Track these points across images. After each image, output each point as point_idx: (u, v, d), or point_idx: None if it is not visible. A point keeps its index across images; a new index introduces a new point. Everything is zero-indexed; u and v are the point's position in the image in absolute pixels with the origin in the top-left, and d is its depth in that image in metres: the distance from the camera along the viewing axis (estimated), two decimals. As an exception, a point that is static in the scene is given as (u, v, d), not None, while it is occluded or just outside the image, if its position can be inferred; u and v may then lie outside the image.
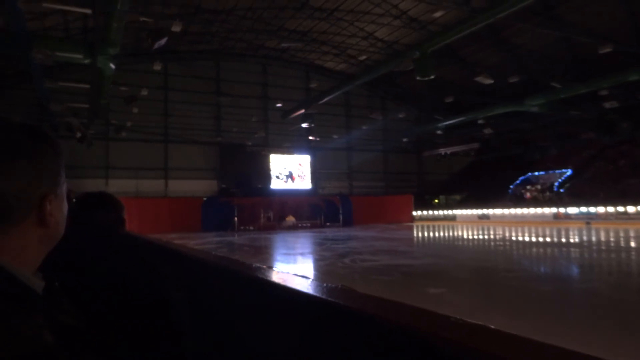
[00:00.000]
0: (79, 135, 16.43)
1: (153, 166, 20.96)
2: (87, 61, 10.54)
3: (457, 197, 25.76)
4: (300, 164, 23.86)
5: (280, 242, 14.78)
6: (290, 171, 23.58)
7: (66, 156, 0.53)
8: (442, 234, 16.78)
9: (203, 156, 21.98)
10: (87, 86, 14.31)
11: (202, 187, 21.46)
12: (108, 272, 0.91)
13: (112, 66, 10.87)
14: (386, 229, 18.32)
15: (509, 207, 21.42)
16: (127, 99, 16.10)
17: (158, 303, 0.90)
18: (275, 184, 23.04)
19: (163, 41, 10.11)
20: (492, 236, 14.27)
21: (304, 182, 23.84)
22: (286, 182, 23.37)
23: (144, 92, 16.83)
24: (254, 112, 22.99)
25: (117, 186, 18.99)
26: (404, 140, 25.63)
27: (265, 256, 9.74)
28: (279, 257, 9.57)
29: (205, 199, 19.87)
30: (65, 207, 0.51)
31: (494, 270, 6.70)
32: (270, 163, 23.07)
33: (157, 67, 14.48)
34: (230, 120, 22.50)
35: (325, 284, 0.71)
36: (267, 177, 22.91)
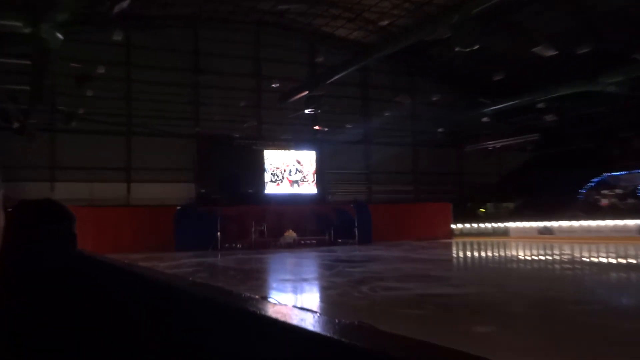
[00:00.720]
0: (16, 125, 16.58)
1: (112, 165, 21.07)
2: (27, 30, 10.59)
3: (510, 205, 25.58)
4: (302, 163, 23.96)
5: (278, 264, 14.79)
6: (290, 171, 23.76)
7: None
8: (490, 253, 16.71)
9: (177, 152, 22.05)
10: (28, 62, 14.42)
11: (175, 192, 21.53)
12: (53, 302, 0.90)
13: (60, 37, 10.92)
14: (416, 248, 18.28)
15: (578, 218, 21.18)
16: (78, 78, 16.23)
17: (118, 343, 0.89)
18: (271, 189, 23.08)
19: (125, 3, 10.17)
20: (556, 257, 14.18)
21: (307, 186, 23.89)
22: (284, 185, 23.57)
23: (101, 70, 16.91)
24: (243, 95, 22.98)
25: (65, 191, 19.09)
26: (439, 130, 25.59)
27: (257, 283, 9.78)
28: (275, 285, 9.58)
29: (179, 208, 19.97)
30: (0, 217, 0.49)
31: (561, 302, 6.67)
32: (265, 161, 23.14)
33: (118, 37, 14.55)
34: (212, 105, 22.50)
35: (337, 320, 0.71)
36: (260, 180, 22.96)
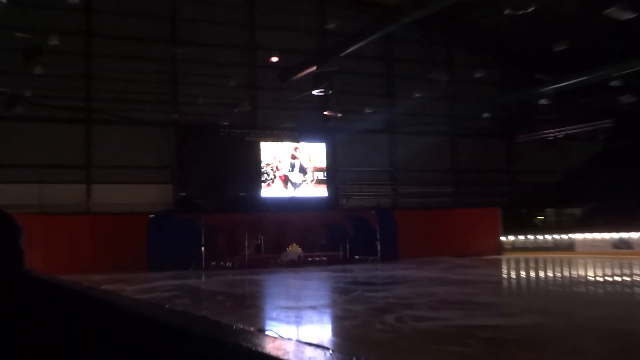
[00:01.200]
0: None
1: (68, 162, 21.17)
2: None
3: (576, 211, 25.46)
4: (309, 158, 24.03)
5: (278, 287, 14.82)
6: (294, 167, 23.79)
7: None
8: (550, 273, 16.61)
9: (150, 145, 22.19)
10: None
11: (147, 196, 21.63)
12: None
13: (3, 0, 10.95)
14: (455, 266, 18.25)
15: (665, 228, 21.34)
16: (25, 52, 16.26)
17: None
18: (269, 191, 23.18)
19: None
20: (637, 278, 14.09)
21: (316, 187, 23.98)
22: (287, 187, 23.59)
23: (54, 42, 16.97)
24: (234, 72, 23.01)
25: (8, 195, 19.09)
26: (485, 116, 25.51)
27: (252, 311, 9.79)
28: (275, 314, 9.59)
29: (152, 216, 20.08)
30: None
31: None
32: (261, 156, 23.24)
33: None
34: (194, 86, 22.63)
35: (354, 359, 0.68)
36: (256, 180, 23.07)
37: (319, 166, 24.19)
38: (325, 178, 24.23)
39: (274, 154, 23.62)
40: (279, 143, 23.70)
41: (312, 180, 23.99)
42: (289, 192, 23.57)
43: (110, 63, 21.74)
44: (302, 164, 23.99)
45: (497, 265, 20.30)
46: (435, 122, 26.25)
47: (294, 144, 23.99)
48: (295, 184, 23.80)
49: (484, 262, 20.77)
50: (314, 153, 24.21)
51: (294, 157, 23.90)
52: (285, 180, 23.62)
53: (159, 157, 22.41)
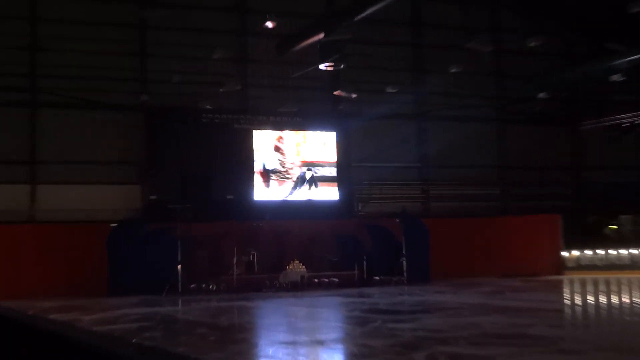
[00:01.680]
0: None
1: (5, 157, 21.30)
2: None
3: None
4: (315, 150, 24.01)
5: (276, 316, 14.79)
6: (294, 164, 23.73)
7: None
8: (627, 299, 16.49)
9: (111, 135, 22.27)
10: None
11: (109, 200, 21.70)
12: None
13: None
14: (503, 289, 18.23)
15: None
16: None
17: None
18: (264, 194, 23.25)
19: None
20: None
21: (324, 188, 23.98)
22: (289, 188, 23.63)
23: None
24: (218, 41, 23.12)
25: None
26: (540, 97, 25.43)
27: (242, 348, 9.77)
28: (271, 351, 9.55)
29: (114, 225, 20.16)
30: None
31: None
32: (253, 148, 23.28)
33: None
34: (167, 59, 22.82)
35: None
36: (247, 179, 23.14)
37: (326, 160, 24.15)
38: (335, 176, 24.15)
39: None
40: (279, 133, 23.70)
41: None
42: (292, 194, 23.59)
43: (61, 31, 21.84)
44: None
45: (558, 288, 20.20)
46: (477, 105, 26.22)
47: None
48: (271, 176, 23.68)
49: (540, 284, 20.72)
50: (323, 145, 24.26)
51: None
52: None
53: (123, 150, 22.44)
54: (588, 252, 24.68)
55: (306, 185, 23.77)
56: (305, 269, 20.59)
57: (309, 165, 23.84)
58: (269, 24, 21.84)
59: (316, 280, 20.37)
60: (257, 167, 23.25)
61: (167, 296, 18.07)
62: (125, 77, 22.76)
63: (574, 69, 25.80)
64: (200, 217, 20.74)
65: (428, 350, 8.51)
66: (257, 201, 22.95)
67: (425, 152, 26.28)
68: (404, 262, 21.26)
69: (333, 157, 24.12)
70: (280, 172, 23.63)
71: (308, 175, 23.72)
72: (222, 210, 21.74)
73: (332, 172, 24.02)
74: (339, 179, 24.19)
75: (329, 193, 23.95)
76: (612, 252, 24.51)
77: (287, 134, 23.96)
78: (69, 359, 1.22)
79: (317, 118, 24.44)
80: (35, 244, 19.06)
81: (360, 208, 24.61)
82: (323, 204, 23.62)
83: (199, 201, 21.55)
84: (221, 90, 22.30)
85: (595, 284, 20.77)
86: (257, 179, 23.19)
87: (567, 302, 17.01)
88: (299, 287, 19.76)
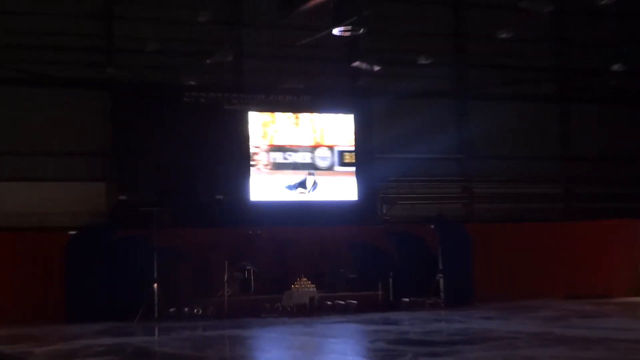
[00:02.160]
0: None
1: None
2: None
3: None
4: (329, 136, 24.09)
5: (278, 349, 14.78)
6: (302, 156, 23.79)
7: None
8: None
9: (69, 119, 22.42)
10: None
11: (67, 201, 21.86)
12: None
13: None
14: (568, 314, 18.24)
15: None
16: None
17: None
18: (262, 193, 23.29)
19: None
20: None
21: (338, 187, 24.03)
22: (293, 188, 23.75)
23: None
24: (203, -1, 23.72)
25: None
26: (615, 69, 25.31)
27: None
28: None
29: (74, 233, 20.13)
30: None
31: None
32: (250, 135, 23.23)
33: None
34: (140, 21, 22.98)
35: None
36: (241, 175, 23.10)
37: (341, 147, 24.18)
38: (352, 170, 24.16)
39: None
40: (282, 116, 23.71)
41: (336, 176, 24.07)
42: (297, 194, 23.63)
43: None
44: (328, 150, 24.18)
45: (638, 312, 20.12)
46: (534, 80, 26.33)
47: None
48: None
49: (615, 307, 20.45)
50: (338, 132, 24.30)
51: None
52: (315, 182, 23.83)
53: (84, 137, 22.64)
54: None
55: (308, 192, 23.87)
56: (315, 289, 20.45)
57: (322, 157, 23.90)
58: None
59: (329, 302, 20.18)
60: (255, 159, 23.42)
61: (140, 323, 17.96)
62: (87, 45, 22.85)
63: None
64: (182, 222, 21.03)
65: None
66: (254, 202, 23.04)
67: (468, 139, 26.34)
68: (441, 280, 21.17)
69: (350, 146, 24.21)
70: (283, 164, 23.77)
71: (310, 182, 23.82)
72: (209, 213, 21.97)
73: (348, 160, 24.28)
74: (358, 174, 24.26)
75: (345, 191, 24.10)
76: None
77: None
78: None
79: (330, 97, 24.46)
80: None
81: (385, 211, 24.65)
82: (338, 206, 23.74)
83: (180, 202, 21.78)
84: (208, 61, 22.21)
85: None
86: (255, 175, 23.38)
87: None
88: (307, 312, 19.64)
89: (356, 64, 23.78)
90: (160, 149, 22.22)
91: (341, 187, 24.11)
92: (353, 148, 24.22)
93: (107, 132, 22.39)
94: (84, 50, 22.68)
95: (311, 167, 23.75)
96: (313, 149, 23.89)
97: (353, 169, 24.25)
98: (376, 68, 23.63)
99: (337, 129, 24.24)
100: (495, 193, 26.22)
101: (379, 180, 24.79)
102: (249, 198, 23.10)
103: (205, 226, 21.13)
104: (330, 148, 24.04)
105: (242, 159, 23.21)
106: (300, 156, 23.75)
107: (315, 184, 23.71)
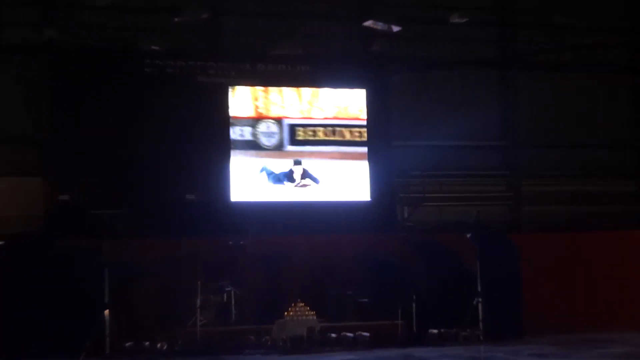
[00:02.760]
0: None
1: None
2: None
3: None
4: (339, 118, 24.26)
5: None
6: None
7: None
8: None
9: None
10: None
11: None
12: None
13: None
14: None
15: None
16: None
17: None
18: (247, 192, 23.40)
19: None
20: None
21: (345, 185, 24.13)
22: (284, 182, 23.78)
23: None
24: None
25: None
26: None
27: None
28: None
29: (1, 244, 20.26)
30: None
31: None
32: (230, 115, 23.39)
33: None
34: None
35: None
36: (219, 169, 23.23)
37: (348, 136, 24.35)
38: (366, 167, 24.26)
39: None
40: (273, 90, 23.80)
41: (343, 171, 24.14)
42: (291, 194, 23.77)
43: None
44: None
45: None
46: (602, 45, 26.48)
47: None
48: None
49: None
50: (348, 109, 24.36)
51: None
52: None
53: (15, 119, 22.68)
54: None
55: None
56: (315, 317, 20.38)
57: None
58: None
59: (333, 334, 20.00)
60: (237, 146, 23.51)
61: (86, 358, 17.90)
62: (20, 2, 22.97)
63: None
64: (142, 229, 21.22)
65: None
66: (236, 204, 23.15)
67: (515, 122, 26.47)
68: (480, 305, 21.01)
69: (359, 130, 24.36)
70: (270, 150, 23.93)
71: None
72: (178, 218, 21.94)
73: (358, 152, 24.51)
74: (372, 167, 24.32)
75: (354, 188, 24.26)
76: None
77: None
78: None
79: (336, 66, 24.48)
80: None
81: (406, 215, 24.82)
82: (345, 209, 23.82)
83: (139, 204, 21.97)
84: (177, 20, 22.07)
85: None
86: (237, 166, 23.49)
87: None
88: (304, 346, 19.50)
89: (370, 23, 23.86)
90: (113, 134, 22.19)
91: (348, 182, 24.28)
92: (364, 133, 24.44)
93: (44, 112, 22.52)
94: (16, 7, 22.76)
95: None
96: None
97: (363, 160, 24.52)
98: (395, 29, 23.73)
99: (344, 106, 24.46)
100: (551, 192, 26.28)
101: (399, 174, 24.88)
102: (229, 198, 23.20)
103: (172, 235, 21.15)
104: (334, 130, 24.41)
105: (220, 148, 23.37)
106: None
107: (306, 174, 23.96)
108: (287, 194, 23.83)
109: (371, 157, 24.38)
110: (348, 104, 24.42)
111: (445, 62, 24.23)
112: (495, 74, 26.65)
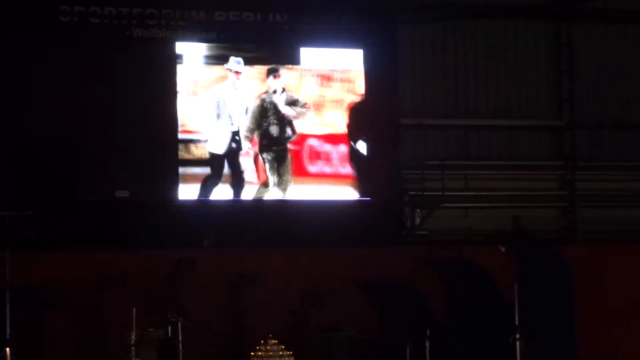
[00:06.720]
0: None
1: None
2: None
3: None
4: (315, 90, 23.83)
5: None
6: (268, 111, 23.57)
7: None
8: None
9: None
10: None
11: None
12: None
13: None
14: None
15: None
16: None
17: None
18: (198, 189, 23.39)
19: None
20: None
21: (343, 181, 23.90)
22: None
23: None
24: None
25: None
26: None
27: None
28: None
29: None
30: None
31: None
32: (177, 83, 23.31)
33: None
34: None
35: None
36: (161, 157, 23.09)
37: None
38: (359, 151, 23.60)
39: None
40: (243, 56, 23.27)
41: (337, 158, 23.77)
42: (268, 191, 23.36)
43: None
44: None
45: None
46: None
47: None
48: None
49: None
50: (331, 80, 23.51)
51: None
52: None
53: None
54: None
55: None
56: (293, 359, 20.91)
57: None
58: None
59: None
60: (188, 129, 22.97)
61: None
62: None
63: None
64: (55, 239, 20.91)
65: None
66: (184, 203, 22.82)
67: (571, 94, 25.83)
68: (519, 343, 21.01)
69: (355, 104, 23.82)
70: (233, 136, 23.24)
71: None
72: (105, 222, 21.44)
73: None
74: (372, 156, 23.88)
75: (349, 186, 23.77)
76: None
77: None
78: None
79: (324, 18, 24.13)
80: None
81: (419, 221, 24.32)
82: (336, 211, 23.34)
83: (53, 203, 21.60)
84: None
85: None
86: (187, 154, 22.97)
87: None
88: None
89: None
90: (17, 108, 21.49)
91: (340, 178, 23.95)
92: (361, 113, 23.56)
93: None
94: None
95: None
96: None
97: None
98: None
99: (335, 72, 23.75)
100: (614, 188, 25.83)
101: (409, 166, 24.28)
102: (176, 195, 22.82)
103: (97, 246, 20.27)
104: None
105: (164, 128, 22.66)
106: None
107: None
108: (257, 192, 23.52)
109: (372, 143, 24.04)
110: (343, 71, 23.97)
111: (473, 11, 24.34)
112: (547, 27, 25.77)
